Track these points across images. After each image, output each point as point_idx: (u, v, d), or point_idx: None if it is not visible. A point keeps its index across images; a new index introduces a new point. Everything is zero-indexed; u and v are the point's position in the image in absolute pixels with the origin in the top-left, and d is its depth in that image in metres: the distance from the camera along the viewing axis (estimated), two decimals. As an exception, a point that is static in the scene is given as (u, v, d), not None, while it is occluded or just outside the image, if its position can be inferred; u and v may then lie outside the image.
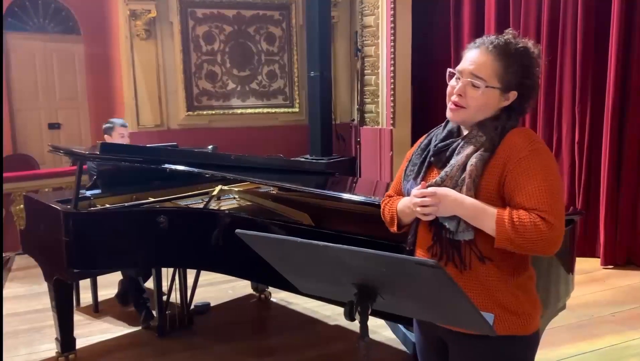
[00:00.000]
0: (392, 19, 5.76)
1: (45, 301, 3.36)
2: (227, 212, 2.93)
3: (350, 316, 1.24)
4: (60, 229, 2.73)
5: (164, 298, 3.36)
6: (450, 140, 1.47)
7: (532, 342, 1.47)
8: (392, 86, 5.86)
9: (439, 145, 1.48)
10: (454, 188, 1.38)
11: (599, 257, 4.56)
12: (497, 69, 1.41)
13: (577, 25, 4.57)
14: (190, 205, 3.14)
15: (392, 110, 5.89)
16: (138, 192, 3.20)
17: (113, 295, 3.88)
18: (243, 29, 7.19)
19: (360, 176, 6.23)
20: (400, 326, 3.16)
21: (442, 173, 1.42)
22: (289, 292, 2.80)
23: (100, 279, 3.73)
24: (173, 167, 2.91)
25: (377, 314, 1.89)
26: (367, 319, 1.26)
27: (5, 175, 4.92)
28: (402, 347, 3.16)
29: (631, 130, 4.40)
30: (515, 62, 1.42)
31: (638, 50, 4.31)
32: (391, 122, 5.91)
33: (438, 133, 1.52)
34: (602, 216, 4.50)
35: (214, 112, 7.13)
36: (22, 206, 3.89)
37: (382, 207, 1.63)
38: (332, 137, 6.63)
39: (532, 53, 1.44)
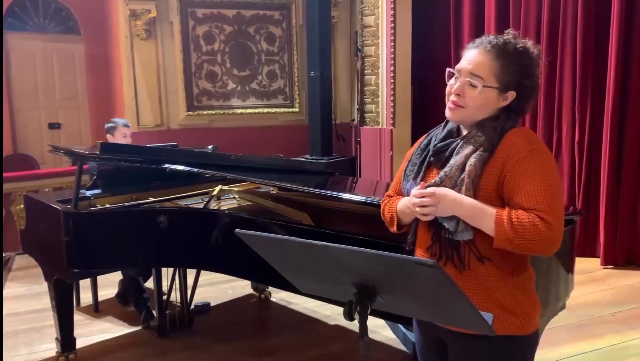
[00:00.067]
0: (392, 18, 5.76)
1: (45, 301, 3.36)
2: (227, 211, 2.93)
3: (349, 316, 1.24)
4: (60, 229, 2.73)
5: (164, 298, 3.37)
6: (450, 140, 1.47)
7: (531, 342, 1.47)
8: (392, 86, 5.86)
9: (438, 145, 1.48)
10: (453, 188, 1.38)
11: (599, 257, 4.56)
12: (495, 69, 1.41)
13: (577, 25, 4.57)
14: (190, 205, 3.14)
15: (392, 110, 5.89)
16: (138, 192, 3.20)
17: (113, 295, 3.89)
18: (243, 29, 7.19)
19: (360, 176, 6.23)
20: (400, 326, 3.16)
21: (441, 173, 1.42)
22: (288, 292, 2.80)
23: (101, 279, 3.73)
24: (173, 167, 2.91)
25: (377, 314, 1.89)
26: (367, 319, 1.26)
27: (5, 175, 4.92)
28: (402, 347, 3.16)
29: (631, 130, 4.40)
30: (514, 62, 1.42)
31: (638, 50, 4.31)
32: (391, 122, 5.92)
33: (437, 133, 1.53)
34: (602, 216, 4.50)
35: (214, 112, 7.14)
36: (22, 206, 3.90)
37: (382, 207, 1.63)
38: (332, 137, 6.64)
39: (531, 53, 1.44)
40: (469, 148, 1.41)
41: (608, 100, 4.39)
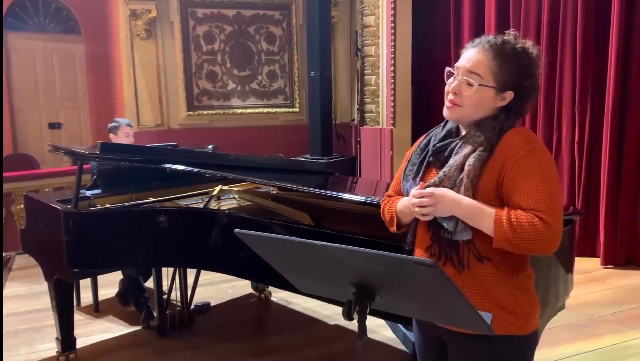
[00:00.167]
0: (392, 18, 5.76)
1: (45, 301, 3.36)
2: (227, 211, 2.93)
3: (348, 316, 1.24)
4: (60, 229, 2.73)
5: (164, 297, 3.37)
6: (449, 140, 1.47)
7: (530, 342, 1.47)
8: (392, 86, 5.86)
9: (438, 145, 1.48)
10: (452, 188, 1.38)
11: (599, 257, 4.56)
12: (492, 68, 1.41)
13: (577, 25, 4.57)
14: (190, 205, 3.14)
15: (392, 109, 5.89)
16: (138, 192, 3.21)
17: (113, 295, 3.89)
18: (243, 29, 7.19)
19: (360, 176, 6.23)
20: (400, 325, 3.16)
21: (441, 173, 1.42)
22: (288, 292, 2.81)
23: (101, 278, 3.74)
24: (173, 166, 2.91)
25: (377, 314, 1.89)
26: (366, 318, 1.26)
27: (5, 174, 4.93)
28: (401, 347, 3.16)
29: (631, 130, 4.40)
30: (512, 61, 1.42)
31: (638, 50, 4.31)
32: (391, 121, 5.92)
33: (437, 133, 1.53)
34: (602, 216, 4.50)
35: (214, 111, 7.14)
36: (22, 206, 3.90)
37: (381, 207, 1.63)
38: (332, 136, 6.64)
39: (530, 54, 1.44)
40: (468, 149, 1.41)
41: (608, 100, 4.38)
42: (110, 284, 3.88)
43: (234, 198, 3.27)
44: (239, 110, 7.25)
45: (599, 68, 4.52)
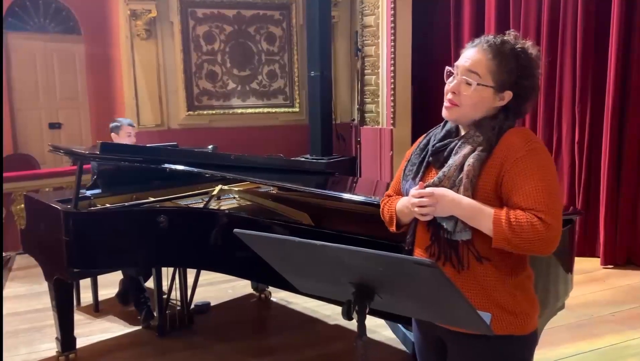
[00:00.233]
0: (392, 18, 5.76)
1: (45, 301, 3.36)
2: (227, 211, 2.93)
3: (347, 316, 1.24)
4: (60, 229, 2.74)
5: (164, 297, 3.37)
6: (448, 140, 1.48)
7: (530, 342, 1.47)
8: (392, 86, 5.86)
9: (437, 145, 1.48)
10: (451, 188, 1.39)
11: (598, 257, 4.56)
12: (491, 67, 1.41)
13: (577, 25, 4.57)
14: (191, 205, 3.14)
15: (392, 109, 5.89)
16: (138, 192, 3.21)
17: (113, 295, 3.89)
18: (243, 29, 7.19)
19: (360, 176, 6.23)
20: (400, 325, 3.16)
21: (440, 173, 1.42)
22: (288, 292, 2.81)
23: (101, 278, 3.74)
24: (173, 166, 2.91)
25: (377, 313, 1.90)
26: (365, 318, 1.26)
27: (5, 174, 4.93)
28: (401, 347, 3.17)
29: (631, 130, 4.40)
30: (511, 61, 1.42)
31: (638, 50, 4.31)
32: (391, 121, 5.92)
33: (436, 133, 1.53)
34: (602, 216, 4.50)
35: (214, 111, 7.14)
36: (22, 205, 3.90)
37: (381, 207, 1.64)
38: (333, 136, 6.64)
39: (529, 54, 1.44)
40: (467, 148, 1.41)
41: (608, 100, 4.39)
42: (110, 284, 3.88)
43: (234, 198, 3.27)
44: (239, 110, 7.25)
45: (599, 68, 4.52)
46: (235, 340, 3.30)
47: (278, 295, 3.92)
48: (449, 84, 1.46)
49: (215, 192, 3.17)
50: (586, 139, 4.63)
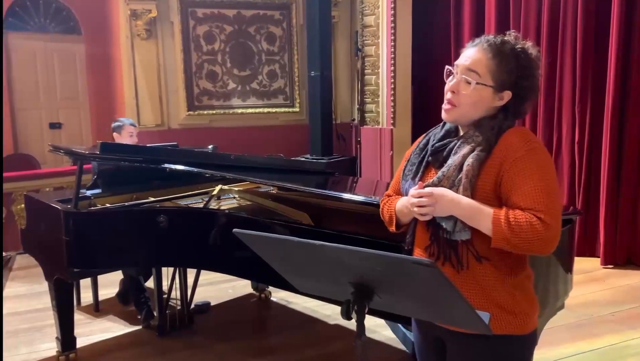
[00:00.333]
0: (392, 18, 5.76)
1: (46, 301, 3.37)
2: (227, 211, 2.93)
3: (346, 315, 1.24)
4: (60, 228, 2.74)
5: (164, 297, 3.37)
6: (448, 140, 1.48)
7: (529, 341, 1.47)
8: (392, 86, 5.87)
9: (436, 145, 1.48)
10: (450, 188, 1.39)
11: (598, 257, 4.56)
12: (491, 67, 1.41)
13: (577, 25, 4.57)
14: (191, 205, 3.15)
15: (392, 109, 5.89)
16: (138, 192, 3.21)
17: (114, 294, 3.89)
18: (243, 29, 7.20)
19: (360, 176, 6.24)
20: (399, 325, 3.16)
21: (439, 173, 1.43)
22: (288, 292, 2.81)
23: (101, 278, 3.74)
24: (173, 166, 2.92)
25: (376, 313, 1.90)
26: (364, 318, 1.26)
27: (6, 174, 4.93)
28: (401, 346, 3.17)
29: (631, 130, 4.40)
30: (511, 61, 1.42)
31: (638, 50, 4.31)
32: (391, 121, 5.92)
33: (436, 133, 1.53)
34: (602, 216, 4.51)
35: (214, 111, 7.15)
36: (23, 205, 3.91)
37: (380, 207, 1.64)
38: (333, 136, 6.64)
39: (529, 55, 1.44)
40: (466, 148, 1.41)
41: (608, 100, 4.39)
42: (110, 284, 3.88)
43: (234, 198, 3.27)
44: (239, 110, 7.26)
45: (599, 68, 4.52)
46: (235, 340, 3.31)
47: (278, 295, 3.93)
48: (449, 83, 1.46)
49: (215, 192, 3.17)
50: (586, 139, 4.63)
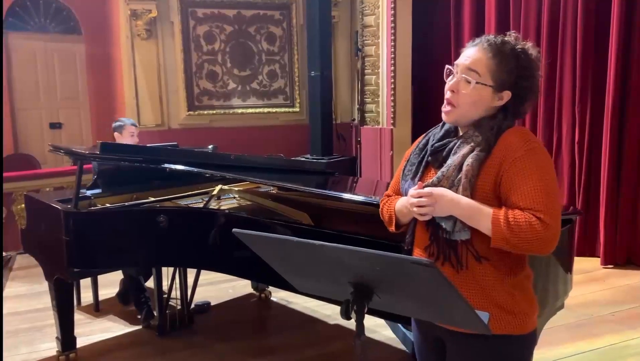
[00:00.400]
0: (392, 18, 5.76)
1: (46, 301, 3.37)
2: (227, 211, 2.94)
3: (346, 315, 1.24)
4: (60, 228, 2.74)
5: (165, 297, 3.37)
6: (447, 140, 1.48)
7: (529, 341, 1.48)
8: (392, 86, 5.87)
9: (436, 145, 1.48)
10: (450, 188, 1.39)
11: (599, 257, 4.57)
12: (491, 66, 1.42)
13: (577, 25, 4.57)
14: (191, 205, 3.15)
15: (392, 109, 5.90)
16: (138, 192, 3.21)
17: (114, 294, 3.89)
18: (244, 29, 7.20)
19: (360, 176, 6.24)
20: (399, 325, 3.16)
21: (439, 173, 1.43)
22: (288, 291, 2.81)
23: (101, 278, 3.74)
24: (173, 166, 2.92)
25: (376, 313, 1.90)
26: (363, 318, 1.27)
27: (6, 174, 4.94)
28: (401, 346, 3.17)
29: (631, 130, 4.40)
30: (511, 61, 1.42)
31: (638, 50, 4.31)
32: (391, 121, 5.92)
33: (435, 133, 1.53)
34: (602, 216, 4.51)
35: (214, 111, 7.15)
36: (23, 205, 3.91)
37: (380, 207, 1.64)
38: (333, 136, 6.64)
39: (530, 55, 1.44)
40: (466, 148, 1.41)
41: (608, 100, 4.39)
42: (110, 284, 3.88)
43: (234, 198, 3.27)
44: (240, 110, 7.26)
45: (599, 68, 4.52)
46: (235, 340, 3.31)
47: (278, 295, 3.93)
48: (449, 83, 1.47)
49: (215, 192, 3.17)
50: (586, 139, 4.63)
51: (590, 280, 4.19)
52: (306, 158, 6.31)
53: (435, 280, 1.12)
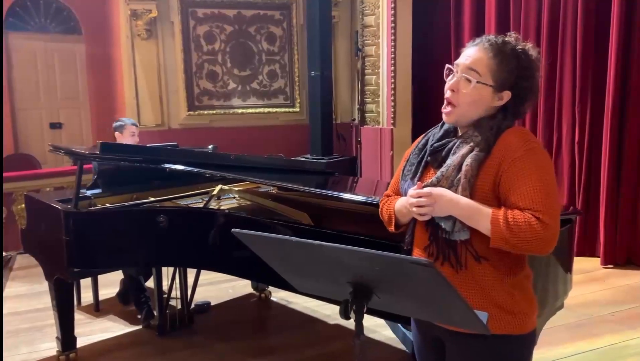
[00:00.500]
0: (392, 18, 5.76)
1: (46, 300, 3.37)
2: (227, 211, 2.94)
3: (345, 315, 1.25)
4: (60, 228, 2.74)
5: (165, 297, 3.37)
6: (447, 140, 1.48)
7: (528, 341, 1.48)
8: (392, 86, 5.87)
9: (435, 145, 1.49)
10: (449, 188, 1.39)
11: (599, 257, 4.56)
12: (491, 66, 1.42)
13: (577, 25, 4.57)
14: (191, 205, 3.15)
15: (392, 109, 5.90)
16: (138, 192, 3.22)
17: (114, 294, 3.90)
18: (244, 29, 7.20)
19: (360, 176, 6.24)
20: (399, 325, 3.17)
21: (438, 173, 1.43)
22: (288, 291, 2.81)
23: (101, 278, 3.74)
24: (173, 166, 2.92)
25: (375, 313, 1.90)
26: (362, 318, 1.27)
27: (6, 174, 4.94)
28: (401, 346, 3.17)
29: (631, 130, 4.40)
30: (511, 61, 1.42)
31: (638, 50, 4.31)
32: (392, 121, 5.92)
33: (435, 133, 1.53)
34: (602, 216, 4.51)
35: (214, 111, 7.15)
36: (23, 205, 3.91)
37: (380, 207, 1.64)
38: (333, 136, 6.64)
39: (530, 56, 1.45)
40: (465, 148, 1.41)
41: (608, 100, 4.39)
42: (110, 284, 3.89)
43: (234, 198, 3.28)
44: (240, 110, 7.26)
45: (599, 68, 4.52)
46: (235, 340, 3.31)
47: (278, 295, 3.93)
48: (449, 82, 1.47)
49: (215, 192, 3.18)
50: (586, 139, 4.63)
51: (590, 280, 4.19)
52: (306, 158, 6.31)
53: (433, 280, 1.12)
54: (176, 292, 3.41)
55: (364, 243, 2.09)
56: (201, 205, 3.08)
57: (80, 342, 3.14)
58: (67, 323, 3.03)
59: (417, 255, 1.50)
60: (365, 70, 6.21)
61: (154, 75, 6.80)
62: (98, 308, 3.78)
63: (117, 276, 3.79)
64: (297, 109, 7.52)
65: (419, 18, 5.93)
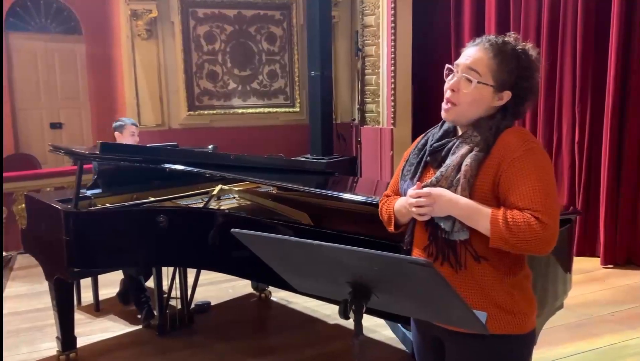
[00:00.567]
0: (392, 18, 5.76)
1: (46, 300, 3.37)
2: (227, 211, 2.94)
3: (344, 315, 1.25)
4: (60, 228, 2.74)
5: (165, 297, 3.38)
6: (446, 140, 1.48)
7: (528, 341, 1.48)
8: (392, 86, 5.87)
9: (435, 145, 1.49)
10: (449, 188, 1.39)
11: (598, 257, 4.56)
12: (492, 66, 1.42)
13: (577, 25, 4.57)
14: (190, 205, 3.15)
15: (392, 109, 5.90)
16: (138, 192, 3.22)
17: (114, 294, 3.90)
18: (244, 29, 7.20)
19: (360, 176, 6.24)
20: (399, 325, 3.17)
21: (438, 173, 1.43)
22: (288, 291, 2.81)
23: (101, 278, 3.75)
24: (173, 166, 2.92)
25: (375, 313, 1.90)
26: (362, 318, 1.27)
27: (7, 174, 4.94)
28: (401, 346, 3.17)
29: (631, 130, 4.40)
30: (511, 61, 1.42)
31: (638, 50, 4.31)
32: (392, 121, 5.92)
33: (434, 133, 1.53)
34: (602, 216, 4.51)
35: (215, 111, 7.15)
36: (23, 205, 3.91)
37: (379, 207, 1.64)
38: (333, 136, 6.65)
39: (530, 56, 1.45)
40: (464, 148, 1.41)
41: (608, 100, 4.39)
42: (110, 283, 3.89)
43: (234, 198, 3.28)
44: (240, 110, 7.26)
45: (599, 68, 4.52)
46: (235, 340, 3.31)
47: (278, 295, 3.93)
48: (449, 82, 1.47)
49: (215, 192, 3.18)
50: (586, 139, 4.63)
51: (590, 280, 4.19)
52: (306, 158, 6.32)
53: (432, 280, 1.13)
54: (176, 292, 3.41)
55: (363, 243, 2.09)
56: (201, 205, 3.08)
57: (81, 342, 3.15)
58: (67, 323, 3.03)
59: (417, 255, 1.50)
60: (365, 70, 6.21)
61: (154, 75, 6.80)
62: (98, 308, 3.78)
63: (117, 276, 3.79)
64: (297, 109, 7.52)
65: (419, 18, 5.93)
